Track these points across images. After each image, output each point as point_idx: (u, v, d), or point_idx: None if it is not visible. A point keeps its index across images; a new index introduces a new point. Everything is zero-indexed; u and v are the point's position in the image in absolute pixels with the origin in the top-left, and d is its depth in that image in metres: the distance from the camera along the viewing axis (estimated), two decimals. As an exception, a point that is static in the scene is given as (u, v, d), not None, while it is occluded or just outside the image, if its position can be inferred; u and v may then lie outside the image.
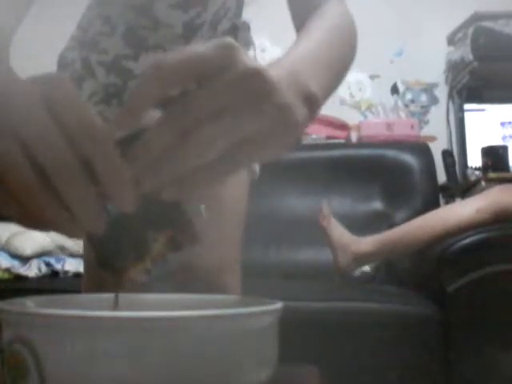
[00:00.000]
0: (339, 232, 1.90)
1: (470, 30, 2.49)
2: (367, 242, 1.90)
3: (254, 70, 0.42)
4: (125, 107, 0.42)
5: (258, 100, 0.42)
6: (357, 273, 1.85)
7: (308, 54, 0.55)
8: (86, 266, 1.02)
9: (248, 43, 1.02)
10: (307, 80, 0.50)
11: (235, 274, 0.99)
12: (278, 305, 0.44)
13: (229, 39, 0.43)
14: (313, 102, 0.49)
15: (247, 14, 1.00)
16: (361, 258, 1.84)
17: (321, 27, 0.65)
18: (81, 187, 0.39)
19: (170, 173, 0.42)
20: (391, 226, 2.33)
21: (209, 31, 0.93)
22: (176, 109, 0.42)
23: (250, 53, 1.01)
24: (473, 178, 2.43)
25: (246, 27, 1.02)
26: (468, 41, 2.49)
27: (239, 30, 0.99)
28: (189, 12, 0.88)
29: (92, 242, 0.46)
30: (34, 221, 0.42)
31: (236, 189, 0.97)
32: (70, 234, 0.43)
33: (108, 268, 0.46)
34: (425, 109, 2.84)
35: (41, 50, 2.28)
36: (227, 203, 0.94)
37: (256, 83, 0.42)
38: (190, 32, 0.90)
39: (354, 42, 0.71)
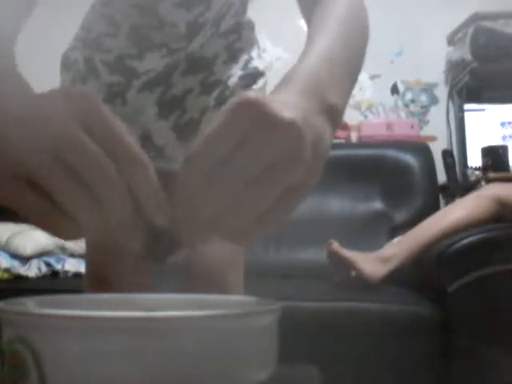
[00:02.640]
0: (348, 251, 1.87)
1: (470, 30, 2.50)
2: (389, 245, 1.90)
3: (287, 122, 0.41)
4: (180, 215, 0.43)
5: (290, 154, 0.42)
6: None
7: (323, 57, 0.53)
8: (88, 266, 1.02)
9: (252, 42, 1.01)
10: (327, 91, 0.49)
11: (238, 273, 0.99)
12: (278, 305, 0.44)
13: (242, 95, 0.41)
14: (335, 115, 0.49)
15: (247, 14, 1.00)
16: (386, 259, 1.82)
17: (331, 20, 0.61)
18: (121, 198, 0.41)
19: (222, 232, 0.43)
20: (391, 226, 2.33)
21: (211, 29, 0.92)
22: (217, 176, 0.42)
23: (254, 52, 1.01)
24: (473, 178, 2.43)
25: (251, 26, 1.01)
26: (468, 41, 2.49)
27: (243, 29, 0.99)
28: (192, 11, 0.88)
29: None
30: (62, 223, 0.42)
31: None
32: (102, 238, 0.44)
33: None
34: (425, 109, 2.84)
35: (41, 50, 2.28)
36: None
37: (290, 137, 0.41)
38: (193, 31, 0.90)
39: (367, 24, 0.68)
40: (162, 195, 0.43)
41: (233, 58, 0.97)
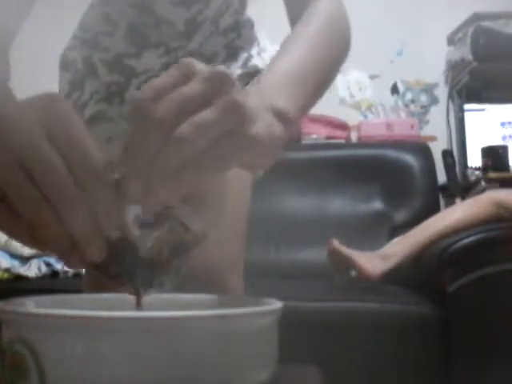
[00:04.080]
0: (350, 250, 1.87)
1: (470, 30, 2.49)
2: (389, 245, 1.90)
3: (235, 103, 0.45)
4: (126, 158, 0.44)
5: (235, 129, 0.45)
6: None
7: (280, 72, 0.62)
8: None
9: (252, 40, 1.00)
10: (274, 98, 0.56)
11: (238, 274, 0.98)
12: (278, 305, 0.44)
13: (216, 68, 0.46)
14: (283, 117, 0.54)
15: (247, 14, 1.00)
16: (386, 257, 1.82)
17: (303, 35, 0.69)
18: (80, 214, 0.41)
19: (160, 175, 0.43)
20: (391, 226, 2.33)
21: (210, 27, 0.92)
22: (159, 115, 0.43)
23: (254, 50, 1.01)
24: (473, 178, 2.43)
25: (250, 24, 1.01)
26: (468, 41, 2.49)
27: (243, 27, 0.98)
28: (191, 9, 0.88)
29: (98, 267, 0.45)
30: (39, 241, 0.43)
31: (239, 187, 0.96)
32: (70, 263, 0.44)
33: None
34: (425, 109, 2.84)
35: (41, 49, 2.28)
36: (229, 202, 0.94)
37: (236, 114, 0.45)
38: (191, 29, 0.90)
39: (345, 38, 0.75)
40: (122, 214, 0.43)
41: (232, 56, 0.97)
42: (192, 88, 0.44)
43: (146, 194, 0.44)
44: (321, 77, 0.67)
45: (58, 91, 1.01)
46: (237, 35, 0.97)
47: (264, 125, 0.51)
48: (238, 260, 0.98)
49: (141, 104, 0.43)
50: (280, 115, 0.55)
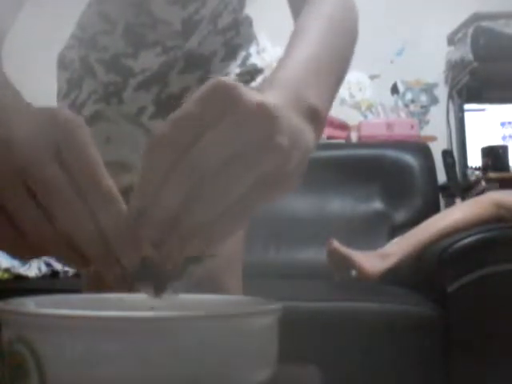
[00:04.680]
0: (350, 250, 1.88)
1: (470, 30, 2.50)
2: (389, 245, 1.90)
3: (257, 106, 0.39)
4: (137, 192, 0.40)
5: (262, 140, 0.40)
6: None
7: (305, 61, 0.53)
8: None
9: (250, 39, 1.00)
10: (306, 93, 0.48)
11: (235, 274, 0.97)
12: (278, 305, 0.44)
13: (217, 80, 0.40)
14: (317, 117, 0.48)
15: (246, 11, 1.00)
16: (386, 256, 1.82)
17: (316, 21, 0.61)
18: (89, 235, 0.40)
19: (190, 229, 0.41)
20: (391, 226, 2.33)
21: (208, 26, 0.92)
22: (183, 164, 0.39)
23: (253, 48, 1.00)
24: (473, 178, 2.43)
25: (249, 22, 1.00)
26: (468, 41, 2.49)
27: (241, 25, 0.98)
28: (187, 8, 0.88)
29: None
30: (32, 249, 0.42)
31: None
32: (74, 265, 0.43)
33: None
34: (425, 109, 2.84)
35: (40, 49, 2.28)
36: None
37: (261, 121, 0.40)
38: (188, 28, 0.90)
39: (355, 25, 0.67)
40: (133, 235, 0.41)
41: (231, 54, 0.96)
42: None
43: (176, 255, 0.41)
44: (343, 64, 0.60)
45: (56, 90, 1.00)
46: (235, 33, 0.97)
47: (296, 137, 0.43)
48: (235, 260, 0.97)
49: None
50: (315, 114, 0.47)
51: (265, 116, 0.40)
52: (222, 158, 0.39)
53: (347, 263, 1.83)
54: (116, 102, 0.94)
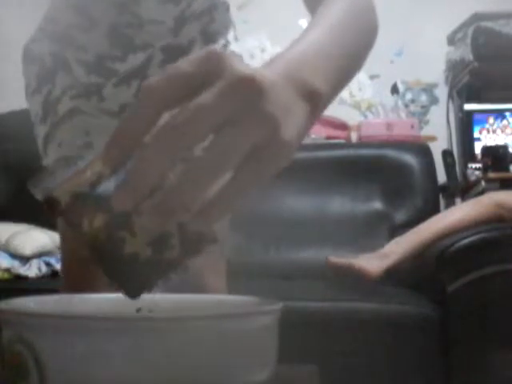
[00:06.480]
0: (347, 259, 1.88)
1: (470, 30, 2.49)
2: (390, 244, 1.90)
3: (245, 75, 0.40)
4: (114, 135, 0.40)
5: (249, 109, 0.40)
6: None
7: (312, 46, 0.52)
8: (65, 267, 0.95)
9: (227, 24, 0.98)
10: (309, 75, 0.47)
11: (219, 273, 0.94)
12: (278, 305, 0.44)
13: (212, 48, 0.41)
14: (315, 98, 0.46)
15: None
16: (385, 255, 1.82)
17: (331, 13, 0.59)
18: None
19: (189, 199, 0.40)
20: (391, 226, 2.33)
21: (190, 15, 0.90)
22: (168, 129, 0.39)
23: (230, 35, 0.98)
24: (473, 178, 2.43)
25: (225, 7, 0.97)
26: (468, 41, 2.49)
27: (215, 10, 0.95)
28: (180, 4, 0.86)
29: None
30: None
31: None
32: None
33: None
34: (425, 109, 2.84)
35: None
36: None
37: (248, 90, 0.40)
38: (180, 24, 0.88)
39: (373, 24, 0.68)
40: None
41: (209, 43, 0.95)
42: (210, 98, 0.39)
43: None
44: (355, 56, 0.59)
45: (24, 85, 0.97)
46: (210, 19, 0.95)
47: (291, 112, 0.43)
48: (218, 264, 0.94)
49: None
50: (316, 97, 0.47)
51: (252, 86, 0.40)
52: (211, 122, 0.39)
53: (348, 272, 1.83)
54: (96, 99, 0.92)
